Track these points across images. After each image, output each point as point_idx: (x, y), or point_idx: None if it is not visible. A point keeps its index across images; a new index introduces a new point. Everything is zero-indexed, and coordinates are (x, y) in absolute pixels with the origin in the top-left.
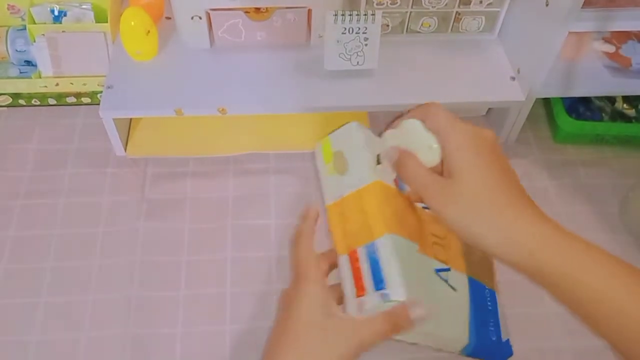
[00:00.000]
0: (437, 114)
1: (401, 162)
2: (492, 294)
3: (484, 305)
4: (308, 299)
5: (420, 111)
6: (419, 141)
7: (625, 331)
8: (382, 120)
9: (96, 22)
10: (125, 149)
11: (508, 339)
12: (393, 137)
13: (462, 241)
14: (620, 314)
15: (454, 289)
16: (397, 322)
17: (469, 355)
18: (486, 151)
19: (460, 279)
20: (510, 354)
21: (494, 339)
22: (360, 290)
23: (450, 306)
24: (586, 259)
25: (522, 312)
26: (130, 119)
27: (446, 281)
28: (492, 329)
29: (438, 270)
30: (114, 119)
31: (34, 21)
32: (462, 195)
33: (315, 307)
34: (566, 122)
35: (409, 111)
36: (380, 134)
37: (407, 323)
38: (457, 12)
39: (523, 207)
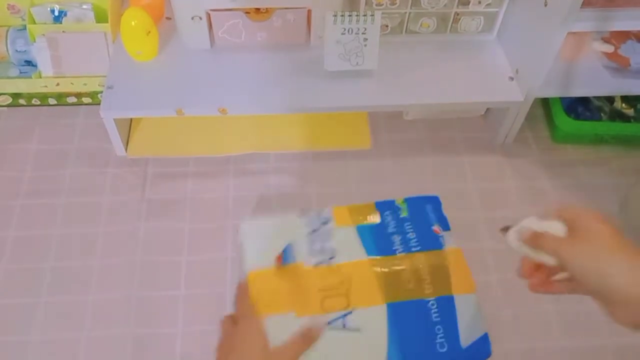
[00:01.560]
0: (573, 209)
1: (535, 235)
2: (445, 302)
3: (422, 320)
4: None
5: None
6: (545, 226)
7: None
8: (382, 120)
9: (96, 22)
10: (126, 149)
11: (481, 339)
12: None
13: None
14: None
15: (356, 329)
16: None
17: None
18: (609, 228)
19: (370, 314)
20: (487, 354)
21: (442, 350)
22: None
23: (354, 347)
24: None
25: (515, 312)
26: (131, 119)
27: (343, 327)
28: (442, 340)
29: (331, 321)
30: (114, 119)
31: (34, 21)
32: (592, 245)
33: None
34: (565, 122)
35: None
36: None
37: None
38: (456, 12)
39: None
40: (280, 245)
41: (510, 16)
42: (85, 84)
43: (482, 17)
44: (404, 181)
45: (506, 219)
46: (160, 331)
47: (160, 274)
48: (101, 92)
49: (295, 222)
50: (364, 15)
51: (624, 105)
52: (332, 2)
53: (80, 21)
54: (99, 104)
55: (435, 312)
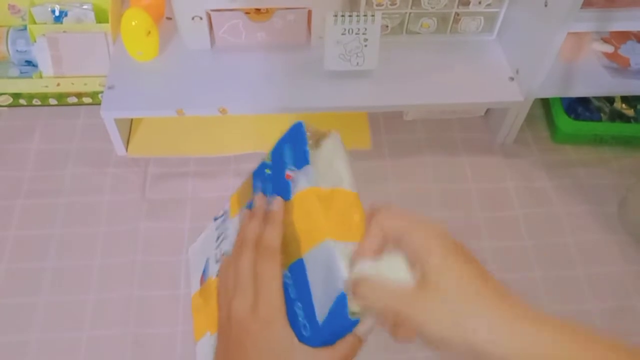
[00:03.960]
0: (391, 221)
1: (364, 290)
2: (297, 268)
3: (287, 300)
4: (272, 337)
5: (375, 226)
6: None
7: None
8: (382, 121)
9: (97, 22)
10: (126, 149)
11: (337, 304)
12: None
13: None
14: None
15: None
16: (353, 346)
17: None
18: (454, 244)
19: None
20: (347, 323)
21: (306, 334)
22: None
23: None
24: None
25: None
26: (131, 119)
27: None
28: (304, 320)
29: None
30: (115, 119)
31: (35, 21)
32: (447, 294)
33: (281, 343)
34: (565, 122)
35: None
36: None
37: (359, 344)
38: (456, 12)
39: (510, 298)
40: (203, 261)
41: (510, 16)
42: (85, 84)
43: (482, 18)
44: (403, 181)
45: (506, 219)
46: (160, 331)
47: (161, 273)
48: (102, 92)
49: (212, 230)
50: (364, 16)
51: (624, 105)
52: (333, 2)
53: (80, 21)
54: (100, 104)
55: (291, 286)
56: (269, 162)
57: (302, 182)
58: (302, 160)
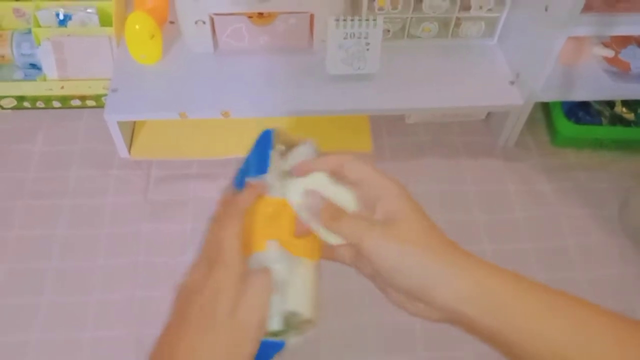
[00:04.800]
0: (359, 164)
1: (332, 214)
2: None
3: None
4: (222, 290)
5: (330, 162)
6: (335, 193)
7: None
8: (383, 124)
9: (101, 26)
10: (129, 151)
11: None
12: (305, 185)
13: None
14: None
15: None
16: None
17: None
18: (412, 197)
19: None
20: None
21: None
22: None
23: None
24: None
25: None
26: (134, 121)
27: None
28: None
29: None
30: (118, 122)
31: (39, 25)
32: (412, 235)
33: (227, 301)
34: (565, 126)
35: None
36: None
37: None
38: (457, 17)
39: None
40: None
41: (511, 21)
42: (89, 87)
43: (483, 22)
44: (404, 184)
45: (506, 222)
46: None
47: (163, 275)
48: (105, 95)
49: None
50: (366, 20)
51: (624, 109)
52: (335, 6)
53: (85, 25)
54: (103, 107)
55: None
56: (242, 167)
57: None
58: (262, 169)
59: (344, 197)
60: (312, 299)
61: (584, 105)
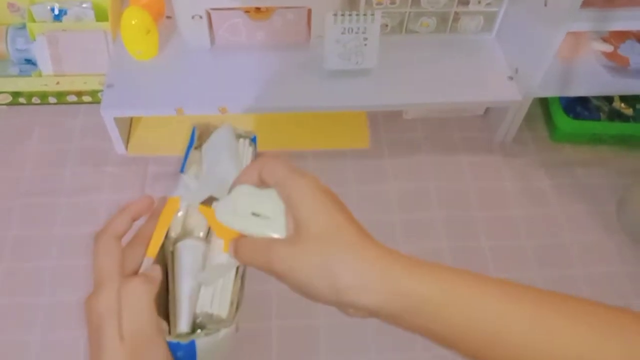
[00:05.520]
0: (272, 166)
1: (235, 247)
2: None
3: None
4: (102, 314)
5: (249, 172)
6: (255, 204)
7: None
8: (381, 119)
9: (97, 21)
10: (126, 148)
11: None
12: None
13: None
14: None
15: None
16: None
17: None
18: (325, 192)
19: None
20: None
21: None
22: None
23: None
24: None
25: None
26: (131, 117)
27: None
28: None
29: None
30: (114, 118)
31: (34, 20)
32: (316, 240)
33: (110, 330)
34: (563, 121)
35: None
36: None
37: None
38: (455, 12)
39: (378, 245)
40: None
41: (509, 16)
42: (85, 83)
43: (481, 17)
44: (402, 180)
45: (504, 218)
46: None
47: None
48: (101, 90)
49: None
50: (364, 15)
51: (622, 105)
52: (332, 1)
53: (80, 20)
54: (99, 102)
55: None
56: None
57: (171, 189)
58: (181, 168)
59: (267, 207)
60: (229, 297)
61: (583, 101)
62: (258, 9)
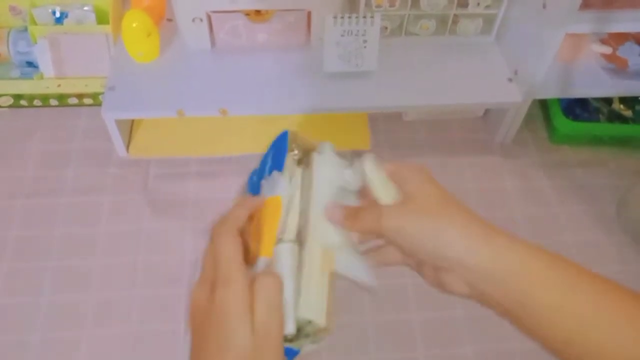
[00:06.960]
0: (382, 165)
1: (346, 215)
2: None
3: None
4: (231, 309)
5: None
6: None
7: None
8: (381, 121)
9: (98, 23)
10: (127, 150)
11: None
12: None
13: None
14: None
15: None
16: None
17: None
18: (429, 174)
19: None
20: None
21: None
22: None
23: None
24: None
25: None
26: (132, 119)
27: None
28: None
29: None
30: (116, 120)
31: (36, 22)
32: (428, 206)
33: (241, 323)
34: (563, 123)
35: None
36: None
37: None
38: (455, 14)
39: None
40: None
41: (508, 18)
42: (86, 85)
43: (481, 19)
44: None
45: (504, 219)
46: (162, 330)
47: (163, 273)
48: (102, 93)
49: None
50: (364, 17)
51: (622, 106)
52: (332, 4)
53: (81, 23)
54: (101, 105)
55: None
56: (256, 168)
57: (267, 190)
58: (278, 169)
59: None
60: (326, 305)
61: (582, 102)
62: (258, 12)
